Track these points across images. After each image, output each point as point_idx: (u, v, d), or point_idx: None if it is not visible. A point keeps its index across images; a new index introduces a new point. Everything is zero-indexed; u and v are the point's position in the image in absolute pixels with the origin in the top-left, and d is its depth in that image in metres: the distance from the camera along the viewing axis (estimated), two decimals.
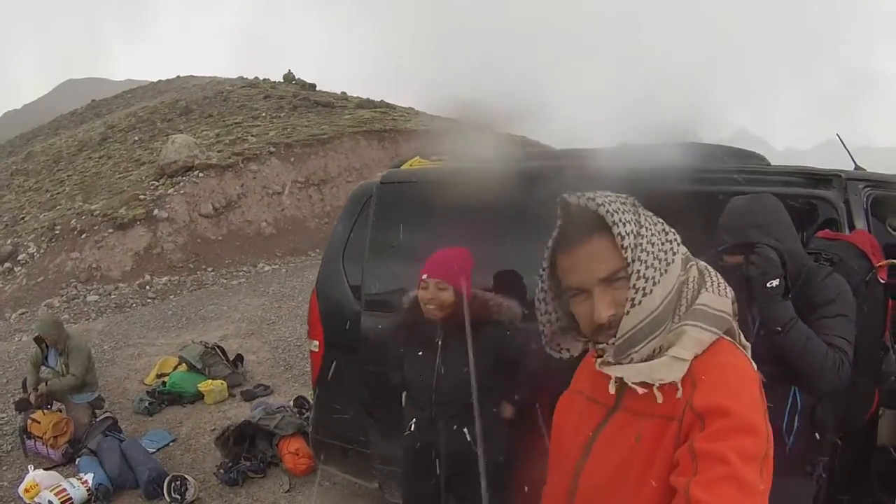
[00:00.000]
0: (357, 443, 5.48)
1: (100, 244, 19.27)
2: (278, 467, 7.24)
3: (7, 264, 19.84)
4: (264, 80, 40.90)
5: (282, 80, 38.92)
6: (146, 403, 9.28)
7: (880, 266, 3.77)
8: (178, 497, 6.69)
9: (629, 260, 1.81)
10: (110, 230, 19.69)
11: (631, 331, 1.82)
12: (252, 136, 25.70)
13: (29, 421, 7.97)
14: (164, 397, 9.47)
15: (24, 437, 8.01)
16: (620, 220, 1.82)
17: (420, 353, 4.17)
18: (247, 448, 7.47)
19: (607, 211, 1.83)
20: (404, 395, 4.34)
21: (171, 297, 17.30)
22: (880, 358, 3.90)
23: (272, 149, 24.21)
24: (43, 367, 8.44)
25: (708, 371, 1.78)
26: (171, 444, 8.19)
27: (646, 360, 1.85)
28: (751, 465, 1.61)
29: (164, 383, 9.79)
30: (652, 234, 1.85)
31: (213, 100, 33.78)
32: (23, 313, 16.89)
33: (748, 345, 1.93)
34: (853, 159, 5.16)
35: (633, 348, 1.83)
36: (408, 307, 4.26)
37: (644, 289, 1.80)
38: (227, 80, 43.65)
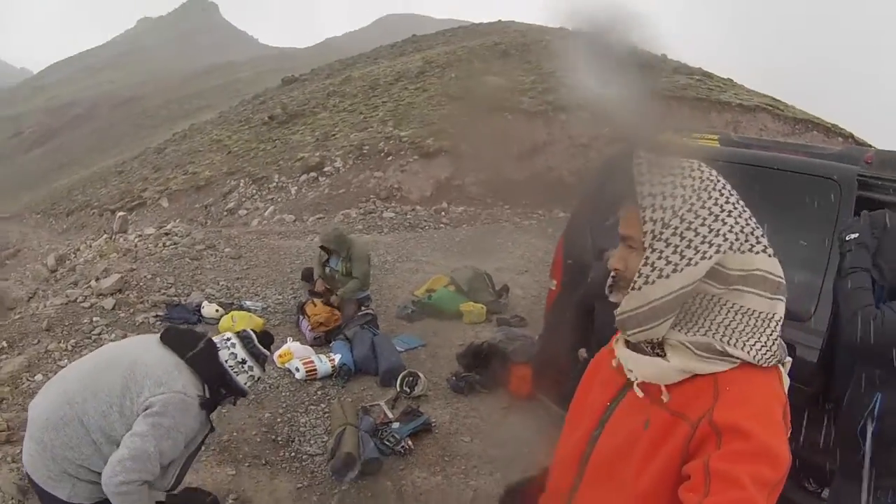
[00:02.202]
0: (574, 378, 5.54)
1: (403, 168, 20.26)
2: (504, 387, 7.41)
3: (313, 174, 21.30)
4: None
5: None
6: (409, 311, 9.81)
7: None
8: (408, 390, 7.09)
9: (645, 245, 1.80)
10: (415, 157, 20.62)
11: (629, 312, 1.84)
12: (566, 86, 25.58)
13: (309, 302, 8.86)
14: (427, 309, 9.91)
15: (300, 312, 8.89)
16: (651, 205, 1.80)
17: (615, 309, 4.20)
18: (481, 364, 7.71)
19: (641, 190, 1.82)
20: (594, 345, 4.39)
21: (464, 225, 17.71)
22: None
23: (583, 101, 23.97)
24: (326, 268, 9.34)
25: (733, 383, 1.75)
26: (419, 347, 8.61)
27: (645, 353, 1.90)
28: (763, 490, 1.59)
29: (429, 296, 10.19)
30: (687, 229, 1.76)
31: (533, 47, 33.77)
32: (319, 218, 18.12)
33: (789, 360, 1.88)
34: None
35: (629, 330, 1.87)
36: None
37: (649, 277, 1.79)
38: (550, 28, 43.77)
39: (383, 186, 19.75)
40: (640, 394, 1.89)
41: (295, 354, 7.64)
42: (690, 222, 1.75)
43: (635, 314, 1.83)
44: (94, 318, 8.44)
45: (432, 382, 7.44)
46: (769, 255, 1.79)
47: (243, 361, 3.86)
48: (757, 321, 1.77)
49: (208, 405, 3.70)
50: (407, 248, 14.32)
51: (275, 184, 21.97)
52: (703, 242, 1.74)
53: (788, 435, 1.73)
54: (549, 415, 6.66)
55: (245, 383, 3.88)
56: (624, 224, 1.90)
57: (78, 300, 8.95)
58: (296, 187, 21.17)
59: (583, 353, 4.95)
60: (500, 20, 55.16)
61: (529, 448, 6.22)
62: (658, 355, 1.87)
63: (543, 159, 22.20)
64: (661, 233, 1.77)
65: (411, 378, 7.18)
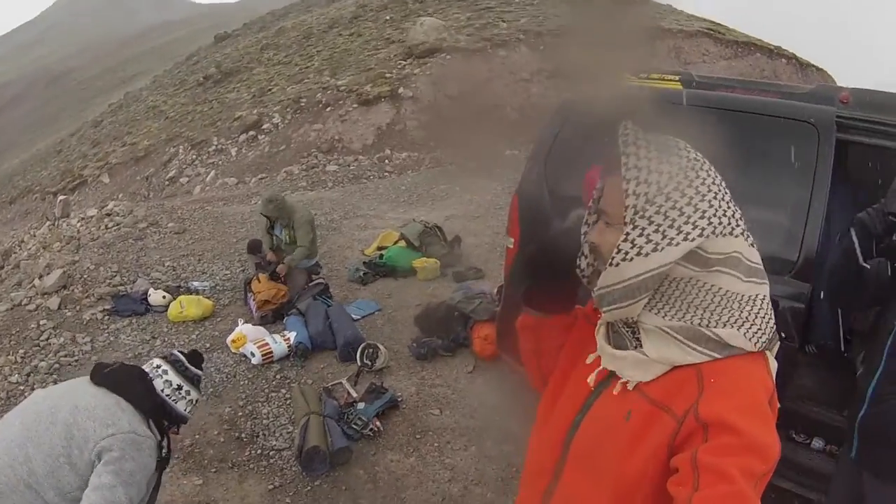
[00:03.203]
0: None
1: (343, 118, 19.90)
2: (467, 349, 7.28)
3: (252, 132, 20.95)
4: None
5: None
6: (361, 273, 9.57)
7: None
8: (369, 363, 6.87)
9: (626, 220, 1.74)
10: (355, 105, 20.26)
11: (606, 288, 1.79)
12: (503, 21, 25.37)
13: (255, 278, 8.56)
14: (379, 269, 9.71)
15: (247, 288, 8.62)
16: (636, 178, 1.75)
17: None
18: (441, 327, 7.55)
19: (627, 162, 1.77)
20: None
21: (409, 172, 17.61)
22: None
23: (522, 36, 23.81)
24: (272, 237, 9.01)
25: (717, 375, 1.70)
26: (375, 313, 8.42)
27: (624, 345, 1.87)
28: (750, 481, 1.56)
29: (381, 256, 10.02)
30: (672, 208, 1.71)
31: None
32: (262, 178, 17.93)
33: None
34: None
35: (604, 306, 1.82)
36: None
37: (627, 254, 1.73)
38: None
39: (324, 139, 19.45)
40: (616, 390, 1.84)
41: (248, 338, 7.33)
42: (676, 201, 1.70)
43: (610, 290, 1.78)
44: (41, 322, 8.12)
45: (393, 351, 7.25)
46: (746, 239, 1.77)
47: (179, 387, 3.66)
48: (734, 302, 1.73)
49: (157, 440, 3.45)
50: (353, 203, 14.13)
51: (214, 147, 21.54)
52: (686, 223, 1.70)
53: (775, 420, 1.69)
54: (515, 374, 6.56)
55: (185, 409, 3.70)
56: (609, 199, 1.86)
57: (23, 303, 8.63)
58: (236, 148, 20.82)
59: None
60: None
61: (501, 415, 6.13)
62: (637, 345, 1.83)
63: (485, 97, 21.95)
64: (644, 209, 1.72)
65: (371, 350, 6.98)
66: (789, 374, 3.86)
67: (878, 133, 4.27)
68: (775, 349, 1.80)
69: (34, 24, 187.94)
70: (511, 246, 5.68)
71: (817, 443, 4.41)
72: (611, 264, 1.76)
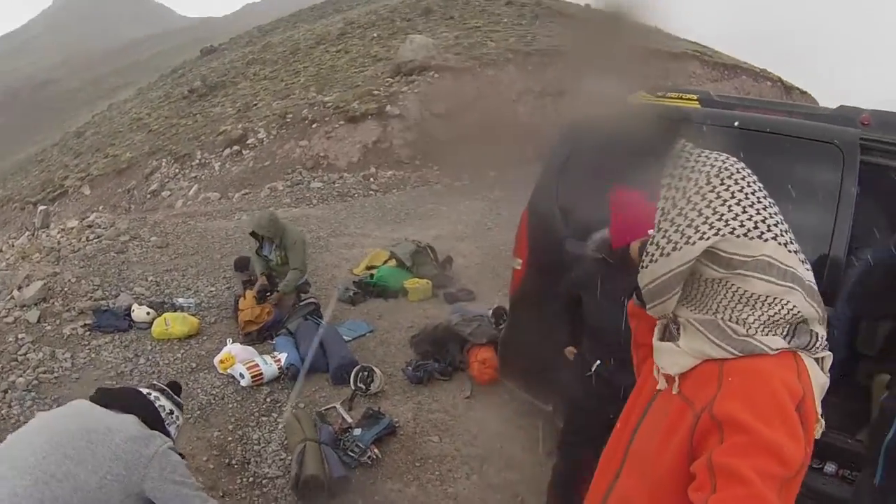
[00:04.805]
0: (542, 365, 5.34)
1: (329, 135, 19.72)
2: (464, 373, 7.13)
3: (236, 147, 20.74)
4: None
5: None
6: (351, 293, 9.32)
7: None
8: (363, 387, 6.64)
9: (655, 222, 1.96)
10: (341, 122, 20.08)
11: (643, 287, 2.00)
12: (491, 41, 25.33)
13: (240, 297, 8.25)
14: (370, 289, 9.49)
15: (237, 306, 8.28)
16: (668, 185, 1.96)
17: (610, 298, 4.12)
18: (438, 350, 7.38)
19: (666, 175, 1.97)
20: (585, 338, 4.43)
21: (394, 191, 17.39)
22: None
23: (510, 55, 23.80)
24: (260, 256, 8.69)
25: (735, 373, 1.77)
26: (367, 334, 8.18)
27: (663, 336, 2.02)
28: (770, 483, 1.58)
29: (371, 276, 9.81)
30: (692, 210, 1.85)
31: (455, 2, 33.44)
32: (245, 194, 17.64)
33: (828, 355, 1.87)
34: None
35: (647, 304, 2.03)
36: (603, 252, 4.20)
37: (653, 255, 1.94)
38: None
39: (309, 155, 19.25)
40: (662, 384, 2.00)
41: (237, 358, 7.02)
42: (696, 204, 1.85)
43: (646, 290, 1.98)
44: (20, 336, 7.73)
45: (387, 375, 7.01)
46: (781, 245, 1.81)
47: (171, 412, 3.66)
48: (758, 303, 1.79)
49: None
50: (339, 221, 13.89)
51: (197, 161, 21.27)
52: (704, 223, 1.82)
53: (818, 428, 1.74)
54: (515, 400, 6.46)
55: (174, 434, 3.60)
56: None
57: (1, 315, 8.23)
58: (219, 163, 20.56)
59: (571, 350, 4.61)
60: None
61: (502, 442, 6.01)
62: (677, 338, 1.95)
63: (472, 116, 21.91)
64: (669, 212, 1.91)
65: (366, 374, 6.72)
66: None
67: None
68: (821, 358, 1.84)
69: (20, 32, 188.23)
70: (518, 267, 5.56)
71: (830, 467, 4.30)
72: (643, 266, 1.98)
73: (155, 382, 3.82)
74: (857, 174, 4.07)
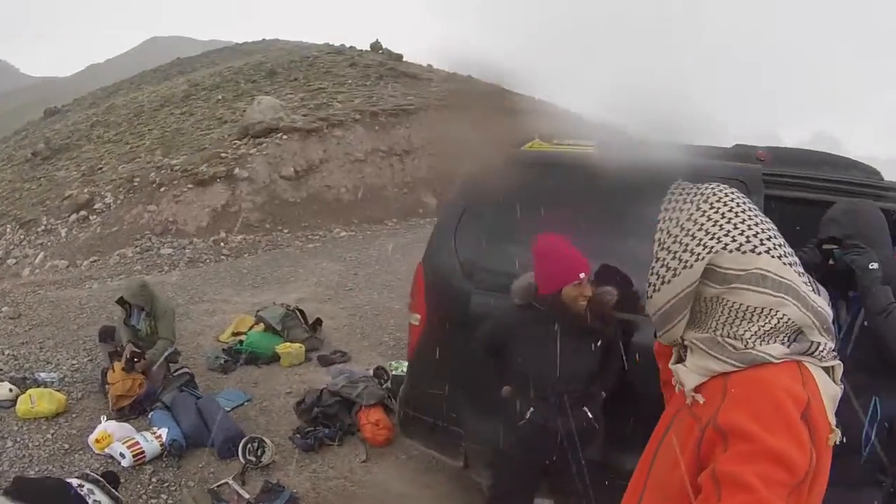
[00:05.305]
0: (448, 420, 5.31)
1: (178, 199, 19.25)
2: (354, 436, 7.00)
3: (83, 213, 19.96)
4: (350, 47, 40.06)
5: (368, 49, 37.97)
6: (222, 361, 9.01)
7: None
8: (254, 459, 6.34)
9: (653, 253, 2.00)
10: (189, 186, 19.66)
11: (652, 318, 2.04)
12: (337, 101, 25.34)
13: (110, 369, 7.73)
14: (240, 356, 9.20)
15: (104, 380, 7.81)
16: (659, 228, 2.02)
17: (541, 344, 4.20)
18: (326, 415, 7.19)
19: (661, 208, 2.04)
20: (513, 384, 4.44)
21: (246, 255, 17.11)
22: None
23: (357, 116, 23.88)
24: (126, 326, 8.15)
25: (739, 384, 1.81)
26: (245, 403, 7.87)
27: (679, 360, 2.05)
28: (775, 489, 1.60)
29: (240, 342, 9.51)
30: (686, 235, 1.93)
31: (299, 64, 33.42)
32: (95, 261, 17.03)
33: (838, 364, 1.90)
34: None
35: (657, 333, 2.09)
36: (530, 299, 4.29)
37: (655, 285, 1.98)
38: (314, 45, 43.49)
39: (158, 220, 18.69)
40: (687, 399, 1.98)
41: (114, 436, 6.52)
42: (689, 229, 1.93)
43: (654, 319, 2.02)
44: None
45: (276, 444, 6.71)
46: (775, 257, 1.87)
47: None
48: (754, 315, 1.85)
49: None
50: (195, 287, 13.54)
51: (43, 227, 20.33)
52: (698, 245, 1.89)
53: (833, 436, 1.76)
54: (412, 459, 6.46)
55: None
56: None
57: None
58: (66, 229, 19.68)
59: (507, 390, 4.50)
60: (263, 39, 55.78)
61: (412, 503, 5.92)
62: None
63: (320, 177, 21.86)
64: (664, 242, 1.98)
65: (255, 445, 6.43)
66: None
67: (797, 186, 4.53)
68: (830, 366, 1.87)
69: None
70: (416, 323, 5.46)
71: None
72: (649, 298, 2.01)
73: (88, 472, 3.45)
74: (762, 208, 4.13)
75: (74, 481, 3.31)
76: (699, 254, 1.87)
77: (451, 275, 5.27)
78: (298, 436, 6.89)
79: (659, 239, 1.99)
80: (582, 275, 4.06)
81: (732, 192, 2.01)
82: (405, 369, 7.80)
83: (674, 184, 2.09)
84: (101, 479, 3.35)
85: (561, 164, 5.21)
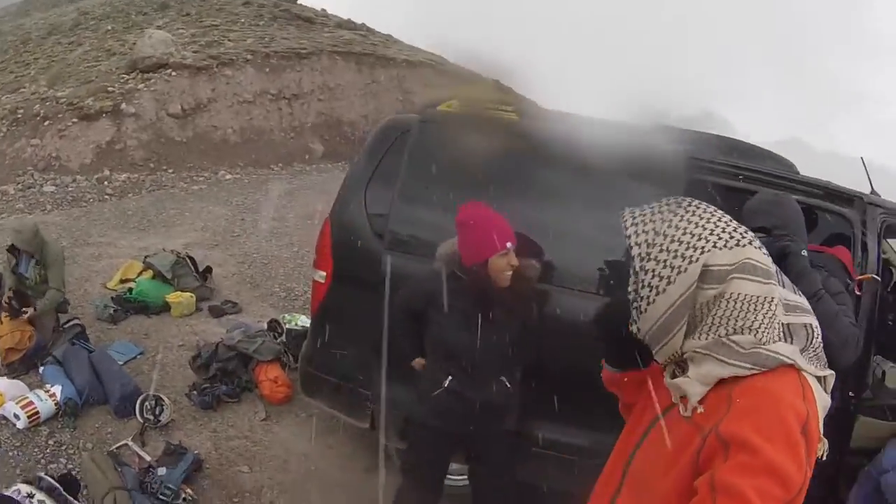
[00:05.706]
0: (355, 381, 5.33)
1: (62, 133, 18.44)
2: (252, 393, 6.98)
3: None
4: None
5: None
6: (111, 310, 8.79)
7: (859, 279, 4.43)
8: (151, 418, 6.25)
9: (637, 268, 1.94)
10: (75, 120, 18.82)
11: (646, 333, 1.97)
12: (229, 40, 24.64)
13: None
14: (130, 305, 8.99)
15: None
16: (635, 243, 1.96)
17: (462, 313, 4.21)
18: (223, 371, 7.13)
19: (626, 235, 1.99)
20: (430, 352, 4.49)
21: (130, 195, 16.66)
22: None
23: (249, 56, 23.26)
24: (13, 275, 7.84)
25: (744, 394, 1.79)
26: (137, 357, 7.74)
27: (675, 376, 1.98)
28: None
29: (129, 290, 9.31)
30: (672, 241, 1.90)
31: None
32: None
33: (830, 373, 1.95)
34: (871, 184, 5.44)
35: (653, 349, 1.99)
36: (454, 267, 4.28)
37: (648, 297, 1.92)
38: None
39: (41, 156, 17.85)
40: (683, 411, 1.95)
41: (6, 395, 6.29)
42: (673, 235, 1.89)
43: (650, 334, 1.94)
44: None
45: (173, 401, 6.65)
46: (756, 247, 1.90)
47: None
48: (755, 304, 1.85)
49: None
50: (80, 228, 13.11)
51: None
52: (688, 248, 1.86)
53: (820, 448, 1.78)
54: (314, 417, 6.48)
55: None
56: None
57: None
58: None
59: (420, 362, 4.60)
60: None
61: (315, 464, 5.98)
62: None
63: (208, 117, 21.35)
64: (649, 253, 1.92)
65: (153, 403, 6.33)
66: None
67: (722, 174, 4.74)
68: (824, 378, 1.91)
69: None
70: (322, 280, 5.41)
71: None
72: (642, 313, 1.93)
73: (42, 475, 3.27)
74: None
75: (24, 488, 3.13)
76: (692, 256, 1.86)
77: (360, 232, 5.23)
78: (195, 392, 6.83)
79: (639, 254, 1.93)
80: (508, 244, 4.09)
81: (695, 200, 2.01)
82: (300, 323, 7.82)
83: (624, 210, 2.06)
84: (57, 485, 3.17)
85: (475, 127, 5.17)
